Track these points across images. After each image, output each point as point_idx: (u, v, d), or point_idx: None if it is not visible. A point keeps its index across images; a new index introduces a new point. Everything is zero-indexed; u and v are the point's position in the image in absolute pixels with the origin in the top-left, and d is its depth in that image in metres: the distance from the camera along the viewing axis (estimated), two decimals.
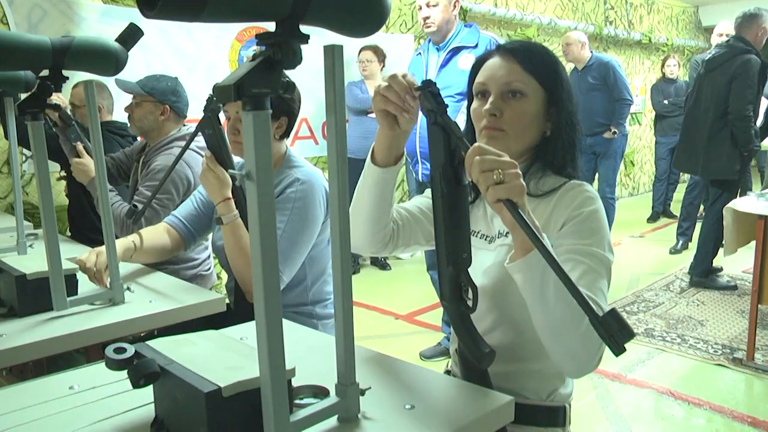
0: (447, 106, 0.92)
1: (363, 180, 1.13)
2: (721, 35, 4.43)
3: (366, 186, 1.12)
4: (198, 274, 2.30)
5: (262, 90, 0.65)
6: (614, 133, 4.63)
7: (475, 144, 0.85)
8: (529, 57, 1.12)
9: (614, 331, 0.68)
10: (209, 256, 2.38)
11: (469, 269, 1.15)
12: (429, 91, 0.93)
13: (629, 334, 0.68)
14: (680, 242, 5.00)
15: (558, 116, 1.13)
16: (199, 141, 2.19)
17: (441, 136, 0.91)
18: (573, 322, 0.90)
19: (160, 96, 2.26)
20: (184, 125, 2.38)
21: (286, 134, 1.75)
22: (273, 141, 1.72)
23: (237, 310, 1.72)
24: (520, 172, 0.83)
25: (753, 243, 2.91)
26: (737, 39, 3.75)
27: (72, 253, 1.99)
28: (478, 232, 1.19)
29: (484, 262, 1.14)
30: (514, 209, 0.80)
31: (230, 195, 1.62)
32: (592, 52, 4.85)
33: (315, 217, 1.67)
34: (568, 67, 4.96)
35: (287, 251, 1.61)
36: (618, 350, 0.69)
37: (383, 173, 1.09)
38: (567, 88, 1.14)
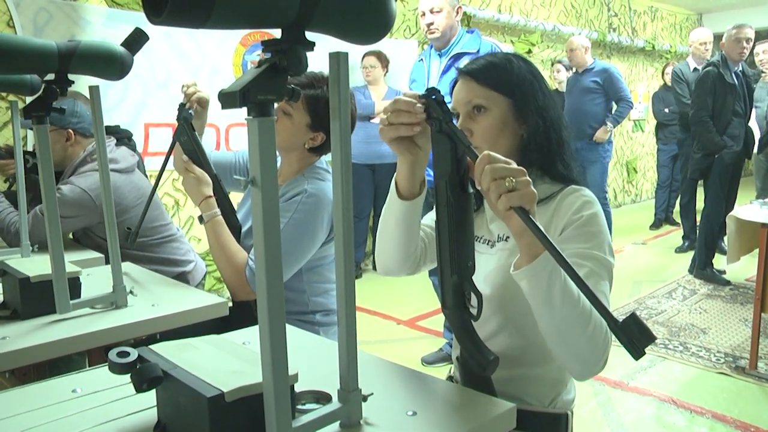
0: (453, 113, 0.92)
1: (389, 212, 1.11)
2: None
3: (393, 218, 1.10)
4: (182, 272, 2.29)
5: (268, 96, 0.65)
6: (608, 130, 4.70)
7: (485, 152, 0.85)
8: (485, 71, 1.15)
9: (634, 336, 0.69)
10: (188, 251, 2.38)
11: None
12: (434, 99, 0.92)
13: (649, 338, 0.69)
14: (685, 244, 5.28)
15: (530, 117, 1.14)
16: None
17: (447, 145, 0.91)
18: (579, 326, 0.91)
19: (59, 121, 2.17)
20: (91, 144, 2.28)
21: (318, 150, 1.72)
22: (302, 149, 1.70)
23: (234, 311, 1.74)
24: (530, 180, 0.83)
25: (756, 251, 2.91)
26: (720, 54, 4.21)
27: (75, 256, 2.01)
28: (481, 237, 1.20)
29: (486, 266, 1.14)
30: (526, 216, 0.80)
31: (211, 193, 1.65)
32: (594, 59, 4.93)
33: (312, 232, 1.64)
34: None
35: None
36: (638, 354, 0.69)
37: (410, 205, 1.07)
38: (535, 90, 1.15)
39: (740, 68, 4.16)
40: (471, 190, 0.94)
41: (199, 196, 1.65)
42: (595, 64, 4.89)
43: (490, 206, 0.86)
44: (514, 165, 0.84)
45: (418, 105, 0.95)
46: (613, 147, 5.12)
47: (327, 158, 1.76)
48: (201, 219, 1.65)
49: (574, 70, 5.02)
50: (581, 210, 1.07)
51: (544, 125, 1.13)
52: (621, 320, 0.70)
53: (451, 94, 1.21)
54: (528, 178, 0.83)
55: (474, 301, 0.95)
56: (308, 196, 1.63)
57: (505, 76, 1.15)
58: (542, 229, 0.78)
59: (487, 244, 1.18)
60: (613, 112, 4.83)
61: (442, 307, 0.99)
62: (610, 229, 4.90)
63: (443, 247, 0.94)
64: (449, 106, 1.18)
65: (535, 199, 0.83)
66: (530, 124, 1.13)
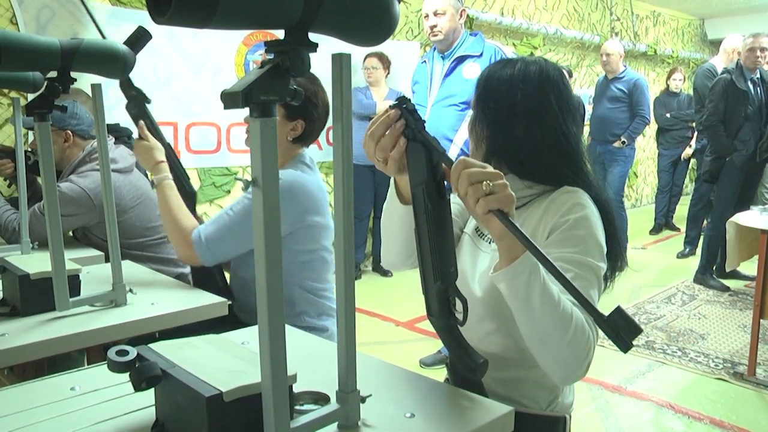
0: (424, 121, 0.92)
1: (391, 213, 1.11)
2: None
3: (396, 218, 1.10)
4: (182, 273, 2.29)
5: (270, 97, 0.66)
6: (623, 143, 4.87)
7: (460, 158, 0.86)
8: (480, 82, 1.19)
9: (621, 329, 0.69)
10: None
11: (469, 274, 1.16)
12: (405, 108, 0.92)
13: (636, 330, 0.69)
14: (687, 249, 5.32)
15: (488, 126, 1.16)
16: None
17: (422, 153, 0.91)
18: (560, 330, 0.91)
19: (59, 122, 2.17)
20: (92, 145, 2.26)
21: (302, 138, 1.72)
22: (285, 142, 1.70)
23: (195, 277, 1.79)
24: (507, 183, 0.84)
25: (756, 257, 2.91)
26: (737, 62, 4.33)
27: (76, 254, 2.01)
28: (486, 235, 1.19)
29: (481, 266, 1.14)
30: (505, 218, 0.81)
31: (163, 159, 1.70)
32: (625, 66, 5.02)
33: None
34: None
35: (220, 232, 1.62)
36: (626, 347, 0.70)
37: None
38: (499, 101, 1.14)
39: (758, 75, 4.20)
40: (449, 197, 0.94)
41: (151, 161, 1.69)
42: (626, 72, 4.95)
43: (469, 211, 0.87)
44: (490, 168, 0.85)
45: (392, 114, 0.94)
46: (635, 153, 5.20)
47: (311, 154, 1.78)
48: (152, 184, 1.69)
49: (603, 75, 5.10)
50: (569, 213, 1.06)
51: (493, 126, 1.15)
52: (607, 315, 0.70)
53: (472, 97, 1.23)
54: (505, 181, 0.84)
55: (459, 306, 0.95)
56: None
57: (480, 86, 1.18)
58: (522, 230, 0.79)
59: (489, 242, 1.18)
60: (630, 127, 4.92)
61: (428, 314, 0.97)
62: (622, 231, 5.00)
63: (425, 254, 0.93)
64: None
65: (513, 201, 0.84)
66: (491, 131, 1.15)
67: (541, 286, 0.89)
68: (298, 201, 1.63)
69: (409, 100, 0.94)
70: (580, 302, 0.73)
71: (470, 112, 1.24)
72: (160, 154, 1.70)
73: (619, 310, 0.70)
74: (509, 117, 1.13)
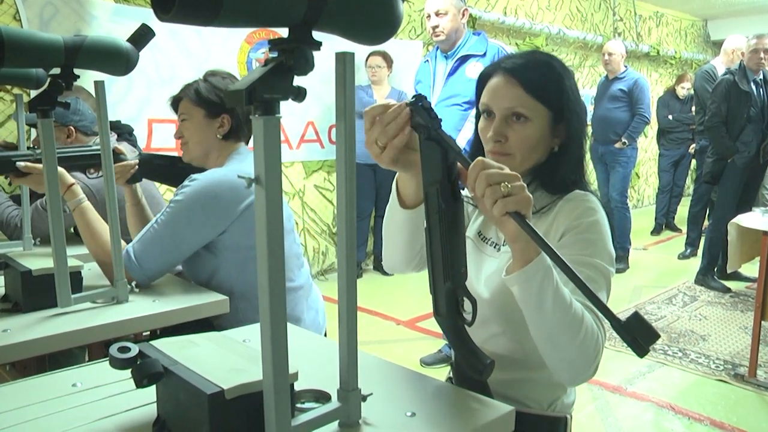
0: (441, 119, 0.91)
1: (392, 218, 1.09)
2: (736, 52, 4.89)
3: (396, 224, 1.09)
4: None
5: (274, 95, 0.66)
6: (624, 143, 4.87)
7: (478, 158, 0.85)
8: (532, 77, 1.10)
9: (638, 334, 0.69)
10: None
11: (473, 277, 1.16)
12: (421, 106, 0.91)
13: (654, 336, 0.69)
14: (688, 250, 5.34)
15: (566, 131, 1.13)
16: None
17: (437, 152, 0.89)
18: (570, 332, 0.91)
19: (61, 118, 2.17)
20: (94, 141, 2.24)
21: (233, 133, 1.69)
22: (216, 140, 1.68)
23: None
24: (525, 184, 0.84)
25: (757, 259, 2.90)
26: (740, 63, 4.33)
27: (77, 250, 2.00)
28: (489, 240, 1.19)
29: (488, 269, 1.14)
30: (522, 220, 0.81)
31: (72, 181, 1.59)
32: (626, 67, 5.02)
33: (189, 219, 1.54)
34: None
35: (149, 247, 1.55)
36: (643, 353, 0.70)
37: (414, 213, 1.06)
38: (573, 100, 1.13)
39: (761, 76, 4.19)
40: (462, 197, 0.93)
41: (63, 187, 1.56)
42: (627, 73, 4.95)
43: (484, 212, 0.86)
44: (507, 170, 0.84)
45: (406, 112, 0.92)
46: (638, 153, 5.20)
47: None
48: (65, 210, 1.57)
49: (605, 75, 5.10)
50: (582, 216, 1.07)
51: (574, 136, 1.12)
52: (624, 319, 0.70)
53: (478, 91, 1.17)
54: (522, 183, 0.83)
55: (467, 306, 0.94)
56: (191, 180, 1.56)
57: (548, 84, 1.11)
58: (539, 232, 0.79)
59: (494, 247, 1.17)
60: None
61: (435, 313, 0.97)
62: (627, 232, 5.01)
63: (435, 254, 0.93)
64: (482, 101, 1.14)
65: (530, 203, 0.83)
66: (565, 135, 1.13)
67: (554, 289, 0.89)
68: (218, 199, 1.55)
69: (426, 97, 0.92)
70: (597, 306, 0.73)
71: (473, 112, 1.22)
72: (67, 177, 1.58)
73: (636, 315, 0.70)
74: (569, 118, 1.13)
